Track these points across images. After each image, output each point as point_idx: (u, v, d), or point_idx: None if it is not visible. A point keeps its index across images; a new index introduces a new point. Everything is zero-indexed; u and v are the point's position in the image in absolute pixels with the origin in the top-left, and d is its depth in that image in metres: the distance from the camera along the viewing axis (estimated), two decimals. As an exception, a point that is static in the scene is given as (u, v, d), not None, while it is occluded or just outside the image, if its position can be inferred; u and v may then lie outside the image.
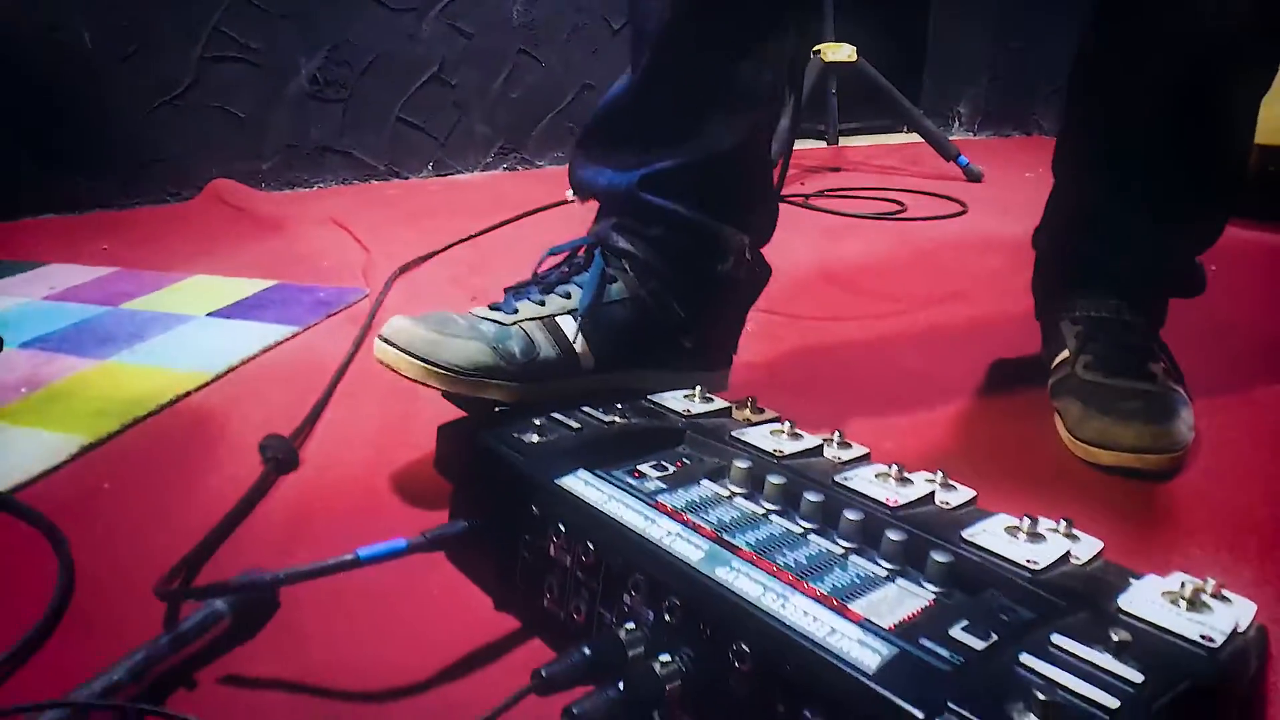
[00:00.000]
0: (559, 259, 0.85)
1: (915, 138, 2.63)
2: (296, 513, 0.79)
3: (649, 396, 0.78)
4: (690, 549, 0.51)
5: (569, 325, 0.79)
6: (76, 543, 0.73)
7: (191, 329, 1.28)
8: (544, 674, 0.47)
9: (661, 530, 0.53)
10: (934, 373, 1.08)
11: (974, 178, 2.29)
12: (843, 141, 2.68)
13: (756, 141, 0.82)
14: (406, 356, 0.74)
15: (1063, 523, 0.58)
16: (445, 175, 2.51)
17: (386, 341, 0.76)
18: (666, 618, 0.50)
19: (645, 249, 0.81)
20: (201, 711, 0.51)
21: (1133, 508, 0.80)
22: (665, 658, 0.48)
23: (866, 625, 0.45)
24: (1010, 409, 0.98)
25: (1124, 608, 0.49)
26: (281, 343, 1.23)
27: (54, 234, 1.95)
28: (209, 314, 1.35)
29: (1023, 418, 0.95)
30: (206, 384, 1.09)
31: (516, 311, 0.79)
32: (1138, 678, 0.42)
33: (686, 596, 0.49)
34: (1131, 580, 0.53)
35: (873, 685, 0.41)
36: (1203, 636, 0.47)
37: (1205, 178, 0.88)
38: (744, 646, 0.45)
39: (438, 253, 1.63)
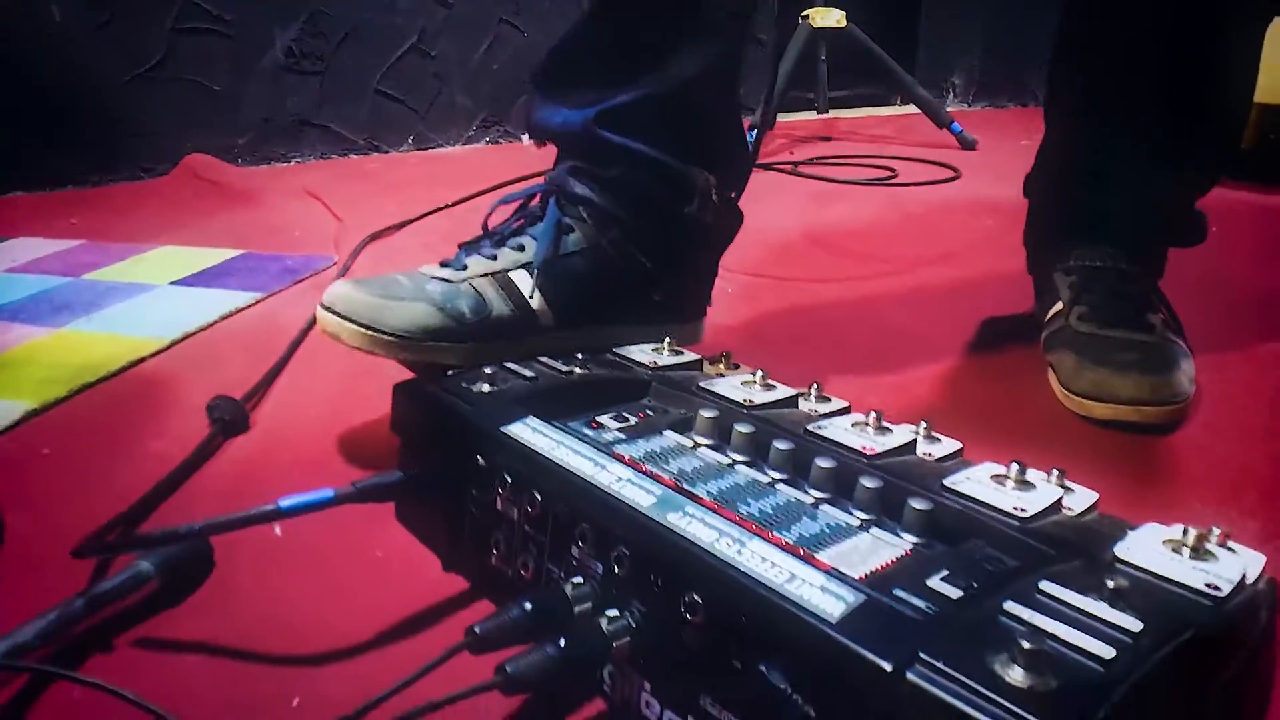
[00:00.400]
0: (512, 208, 0.80)
1: (908, 109, 2.57)
2: (243, 474, 0.74)
3: (614, 349, 0.73)
4: (641, 495, 0.47)
5: (524, 280, 0.74)
6: (8, 505, 0.68)
7: (152, 297, 1.23)
8: (478, 630, 0.43)
9: (612, 476, 0.49)
10: (922, 331, 1.04)
11: (968, 145, 2.24)
12: (833, 113, 2.62)
13: (721, 74, 0.77)
14: (349, 324, 0.70)
15: (1055, 472, 0.53)
16: (426, 149, 2.45)
17: (328, 309, 0.71)
18: (615, 569, 0.45)
19: (604, 194, 0.76)
20: (117, 676, 0.46)
21: (1130, 463, 0.75)
22: (613, 613, 0.44)
23: (833, 574, 0.40)
24: (1001, 366, 0.93)
25: (1121, 556, 0.44)
26: (244, 309, 1.18)
27: (22, 210, 1.90)
28: (172, 283, 1.30)
29: (1014, 375, 0.90)
30: (161, 350, 1.04)
31: (466, 268, 0.74)
32: (1135, 625, 0.37)
33: (635, 544, 0.44)
34: (1129, 530, 0.48)
35: (835, 635, 0.36)
36: (1208, 585, 0.42)
37: (1201, 119, 0.84)
38: (696, 597, 0.41)
39: (411, 221, 1.58)
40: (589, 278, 0.76)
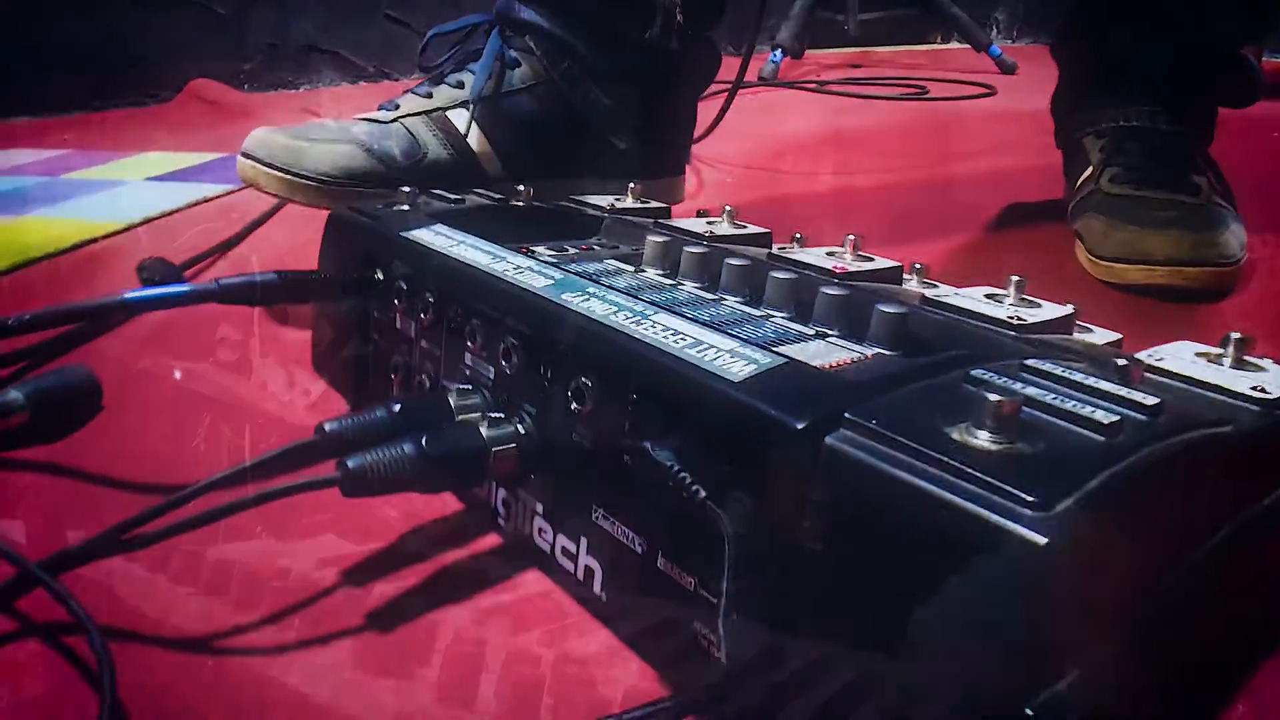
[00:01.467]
0: (451, 40, 0.71)
1: (948, 47, 2.43)
2: (152, 333, 0.67)
3: (570, 196, 0.64)
4: (537, 279, 0.38)
5: (461, 119, 0.65)
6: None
7: (124, 190, 1.18)
8: (327, 428, 0.35)
9: (509, 266, 0.40)
10: (941, 211, 0.94)
11: (1007, 69, 2.10)
12: (866, 49, 2.48)
13: None
14: (265, 169, 0.62)
15: (1069, 305, 0.44)
16: (439, 77, 2.37)
17: (246, 155, 0.64)
18: (505, 367, 0.37)
19: (554, 19, 0.66)
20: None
21: (1168, 336, 0.65)
22: (496, 415, 0.36)
23: (748, 342, 0.31)
24: (1023, 240, 0.83)
25: (1146, 360, 0.35)
26: (213, 199, 1.11)
27: (21, 132, 1.86)
28: (148, 178, 1.24)
29: (1037, 247, 0.80)
30: (118, 232, 0.98)
31: (398, 108, 0.65)
32: (1151, 400, 0.28)
33: (522, 329, 0.36)
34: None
35: (736, 395, 0.27)
36: (1253, 389, 0.33)
37: None
38: (585, 380, 0.32)
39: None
40: (539, 119, 0.67)
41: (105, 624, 0.33)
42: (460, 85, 0.66)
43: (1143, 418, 0.27)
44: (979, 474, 0.22)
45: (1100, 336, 0.43)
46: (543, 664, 0.32)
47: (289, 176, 0.61)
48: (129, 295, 0.41)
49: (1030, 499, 0.21)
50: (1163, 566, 0.26)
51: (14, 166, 1.41)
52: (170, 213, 1.05)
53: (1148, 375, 0.34)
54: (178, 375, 0.56)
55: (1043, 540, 0.21)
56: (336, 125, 0.64)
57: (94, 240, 0.95)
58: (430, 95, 0.66)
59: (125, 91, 2.09)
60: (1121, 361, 0.30)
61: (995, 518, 0.21)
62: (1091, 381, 0.29)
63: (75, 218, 1.04)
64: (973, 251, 0.80)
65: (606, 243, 0.56)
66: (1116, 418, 0.26)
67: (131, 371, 0.52)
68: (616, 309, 0.34)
